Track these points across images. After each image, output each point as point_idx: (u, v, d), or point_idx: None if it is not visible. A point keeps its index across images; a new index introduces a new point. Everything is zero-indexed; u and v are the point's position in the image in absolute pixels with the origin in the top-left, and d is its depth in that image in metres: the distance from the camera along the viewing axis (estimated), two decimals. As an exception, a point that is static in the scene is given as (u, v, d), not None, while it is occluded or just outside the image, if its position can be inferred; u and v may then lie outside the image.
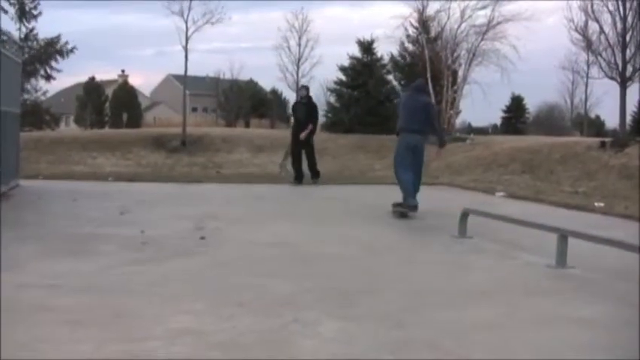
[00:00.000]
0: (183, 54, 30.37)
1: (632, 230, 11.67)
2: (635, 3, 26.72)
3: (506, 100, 62.08)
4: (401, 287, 7.57)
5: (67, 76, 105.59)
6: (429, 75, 34.16)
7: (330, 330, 5.86)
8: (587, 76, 49.55)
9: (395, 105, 40.27)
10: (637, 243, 8.49)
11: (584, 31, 28.31)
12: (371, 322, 6.09)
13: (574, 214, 14.03)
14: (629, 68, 26.74)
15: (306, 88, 20.69)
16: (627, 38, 26.75)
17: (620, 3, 26.76)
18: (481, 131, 54.65)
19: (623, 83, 26.80)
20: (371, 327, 5.96)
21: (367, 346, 5.47)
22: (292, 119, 20.51)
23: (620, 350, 5.55)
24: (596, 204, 15.26)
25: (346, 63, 40.72)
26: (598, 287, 7.82)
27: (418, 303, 6.88)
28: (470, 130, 54.59)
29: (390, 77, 41.73)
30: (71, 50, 42.32)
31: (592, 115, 64.16)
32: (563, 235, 8.67)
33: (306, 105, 19.19)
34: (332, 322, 6.04)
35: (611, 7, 27.14)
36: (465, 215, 10.74)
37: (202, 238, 10.01)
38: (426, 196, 13.63)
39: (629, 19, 26.73)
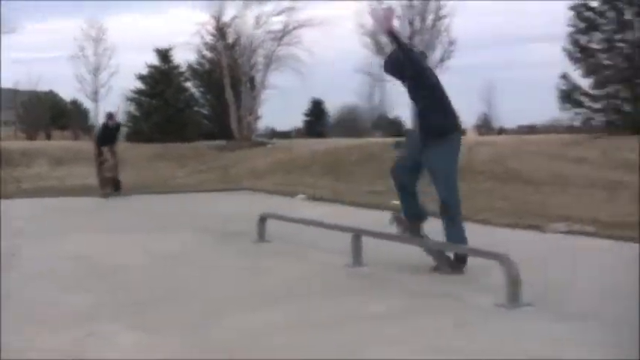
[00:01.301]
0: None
1: (428, 225, 12.17)
2: (420, 7, 27.93)
3: (306, 104, 63.23)
4: (200, 294, 7.57)
5: None
6: (227, 81, 34.30)
7: (128, 341, 5.78)
8: (382, 80, 51.08)
9: (194, 112, 40.29)
10: (432, 238, 8.83)
11: (374, 36, 29.24)
12: (169, 331, 6.06)
13: (372, 213, 14.43)
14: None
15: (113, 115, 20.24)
16: (415, 40, 27.93)
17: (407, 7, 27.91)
18: (284, 135, 55.36)
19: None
20: (169, 336, 5.93)
21: (166, 354, 5.44)
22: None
23: (416, 342, 5.77)
24: (393, 202, 15.74)
25: (144, 71, 40.31)
26: (393, 283, 8.07)
27: (217, 309, 6.88)
28: (273, 134, 55.17)
29: (189, 85, 41.66)
30: None
31: (391, 115, 66.20)
32: (357, 235, 8.93)
33: (116, 130, 19.60)
34: (130, 334, 5.97)
35: (399, 12, 28.25)
36: (262, 220, 10.86)
37: (13, 254, 9.69)
38: (227, 201, 13.69)
39: (417, 22, 27.91)
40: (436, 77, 8.65)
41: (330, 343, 5.75)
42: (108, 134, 19.36)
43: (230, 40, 38.45)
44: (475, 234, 11.52)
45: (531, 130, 49.50)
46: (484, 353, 5.45)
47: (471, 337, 5.91)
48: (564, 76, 24.81)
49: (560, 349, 5.56)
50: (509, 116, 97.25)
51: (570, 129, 27.32)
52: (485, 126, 62.96)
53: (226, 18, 37.12)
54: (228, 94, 34.52)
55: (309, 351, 5.55)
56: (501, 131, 56.04)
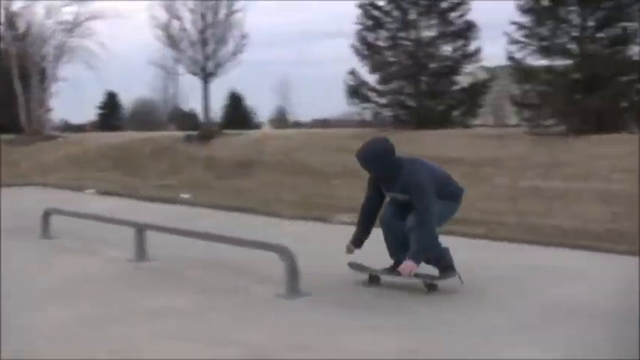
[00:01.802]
0: None
1: (215, 219, 12.29)
2: (213, 2, 28.05)
3: (101, 97, 61.89)
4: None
5: None
6: (15, 72, 33.12)
7: None
8: (175, 73, 50.69)
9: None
10: (217, 231, 8.91)
11: (167, 29, 29.02)
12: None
13: (161, 206, 14.40)
14: (211, 64, 28.05)
15: None
16: (207, 35, 28.03)
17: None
18: (79, 129, 53.87)
19: (205, 78, 28.04)
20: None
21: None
22: None
23: (198, 337, 5.83)
24: (182, 195, 15.78)
25: None
26: (177, 278, 8.10)
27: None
28: (67, 128, 53.62)
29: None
30: None
31: (187, 109, 65.77)
32: (140, 229, 8.89)
33: None
34: None
35: (191, 6, 28.22)
36: (46, 215, 10.61)
37: None
38: (14, 197, 13.24)
39: (209, 16, 28.01)
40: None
41: (107, 340, 5.73)
42: None
43: (20, 29, 37.03)
44: (264, 226, 11.84)
45: (325, 123, 50.54)
46: (263, 345, 5.60)
47: (251, 330, 6.04)
48: (352, 72, 25.52)
49: (334, 337, 5.79)
50: (305, 110, 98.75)
51: (362, 123, 28.09)
52: (280, 120, 63.73)
53: (16, 7, 35.76)
54: (17, 85, 33.31)
55: (83, 348, 5.51)
56: (296, 125, 56.91)
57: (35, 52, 35.03)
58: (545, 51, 21.43)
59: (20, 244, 10.28)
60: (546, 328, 5.97)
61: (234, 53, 28.69)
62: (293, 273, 7.06)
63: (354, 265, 7.77)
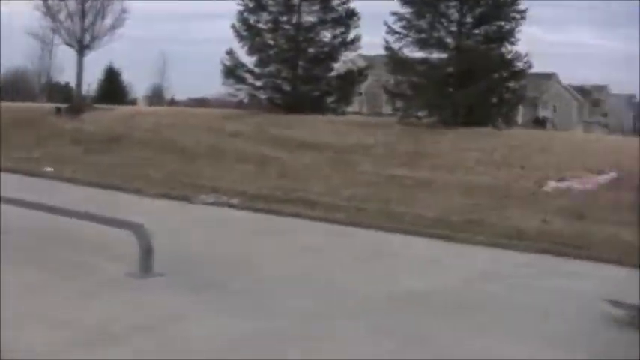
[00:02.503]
0: None
1: (77, 194, 12.01)
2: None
3: (-32, 65, 59.69)
4: None
5: None
6: None
7: None
8: (52, 43, 49.34)
9: None
10: (74, 208, 8.64)
11: (46, -1, 28.22)
12: None
13: (24, 179, 14.01)
14: (88, 37, 27.41)
15: None
16: (86, 7, 27.37)
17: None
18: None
19: (81, 51, 27.38)
20: None
21: None
22: None
23: (45, 315, 5.64)
24: (46, 169, 15.36)
25: None
26: (29, 253, 7.82)
27: None
28: None
29: None
30: None
31: (62, 81, 63.94)
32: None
33: None
34: None
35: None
36: None
37: None
38: None
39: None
40: None
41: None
42: None
43: None
44: (125, 203, 11.63)
45: (202, 103, 49.96)
46: (100, 325, 5.48)
47: (92, 309, 5.91)
48: (229, 52, 25.26)
49: (179, 319, 5.70)
50: (182, 89, 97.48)
51: (238, 105, 27.86)
52: (156, 97, 62.67)
53: None
54: None
55: None
56: (172, 103, 56.08)
57: None
58: (422, 43, 21.73)
59: None
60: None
61: (113, 27, 28.10)
62: (146, 251, 6.96)
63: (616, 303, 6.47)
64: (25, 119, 22.06)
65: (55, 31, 29.95)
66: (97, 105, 27.67)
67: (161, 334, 5.35)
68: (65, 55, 56.42)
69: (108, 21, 28.06)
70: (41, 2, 28.38)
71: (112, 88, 54.38)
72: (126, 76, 57.62)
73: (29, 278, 6.70)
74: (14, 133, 20.51)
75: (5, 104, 28.89)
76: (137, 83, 64.51)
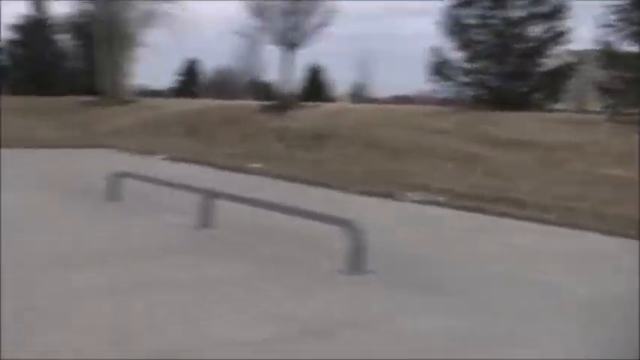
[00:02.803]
0: None
1: (285, 190, 12.16)
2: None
3: (181, 64, 62.24)
4: (34, 252, 7.25)
5: None
6: (101, 36, 33.44)
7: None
8: (259, 42, 50.67)
9: (67, 66, 39.06)
10: (286, 202, 8.75)
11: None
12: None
13: (231, 175, 14.32)
14: (296, 35, 27.80)
15: None
16: (295, 6, 27.80)
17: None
18: (157, 94, 54.30)
19: (290, 49, 27.79)
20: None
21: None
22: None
23: (254, 307, 5.68)
24: (253, 165, 15.69)
25: (17, 21, 39.05)
26: (241, 247, 7.97)
27: (41, 268, 6.61)
28: (146, 93, 54.10)
29: (64, 37, 40.51)
30: None
31: (265, 79, 65.63)
32: (208, 196, 8.77)
33: None
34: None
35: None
36: (115, 178, 10.57)
37: None
38: (86, 158, 13.29)
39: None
40: None
41: (167, 305, 5.62)
42: None
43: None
44: (332, 199, 11.66)
45: (405, 100, 49.94)
46: (311, 320, 5.43)
47: (306, 303, 5.87)
48: (435, 49, 25.04)
49: (390, 317, 5.58)
50: (384, 86, 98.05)
51: (442, 101, 27.61)
52: (357, 94, 63.18)
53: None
54: (100, 49, 33.63)
55: (142, 313, 5.41)
56: (374, 100, 56.39)
57: (121, 17, 35.27)
58: (638, 36, 20.62)
59: (87, 205, 10.29)
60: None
61: (320, 26, 28.35)
62: (357, 248, 6.86)
63: None
64: (232, 117, 22.70)
65: (262, 30, 30.59)
66: (301, 103, 28.10)
67: (374, 331, 5.23)
68: (269, 54, 57.84)
69: (315, 20, 28.34)
70: (250, 2, 29.13)
71: (315, 85, 55.26)
72: (328, 74, 58.31)
73: (239, 272, 6.77)
74: (222, 130, 21.17)
75: (212, 102, 29.94)
76: (339, 81, 64.95)
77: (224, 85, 64.63)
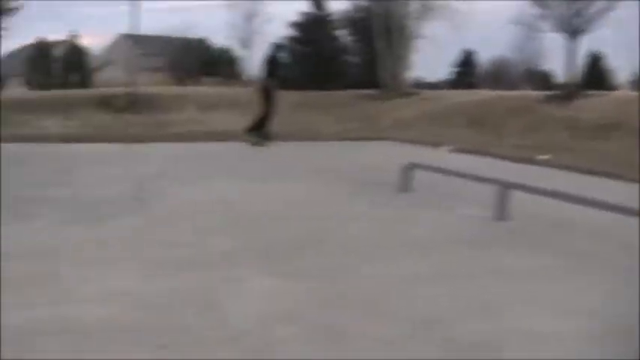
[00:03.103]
0: (133, 13, 29.94)
1: (575, 182, 11.77)
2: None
3: (457, 55, 62.27)
4: (337, 242, 7.51)
5: (15, 37, 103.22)
6: (379, 30, 34.08)
7: (262, 287, 5.78)
8: (537, 30, 49.70)
9: (345, 61, 40.15)
10: (578, 193, 8.51)
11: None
12: (303, 279, 6.02)
13: (519, 166, 14.09)
14: (578, 21, 26.89)
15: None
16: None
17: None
18: (432, 86, 54.63)
19: (573, 36, 26.92)
20: (303, 284, 5.89)
21: (298, 302, 5.40)
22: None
23: (556, 301, 5.54)
24: (540, 156, 15.33)
25: (297, 19, 40.54)
26: (538, 239, 7.82)
27: (353, 258, 6.81)
28: (421, 85, 54.57)
29: (341, 33, 41.64)
30: (16, 8, 41.09)
31: (543, 68, 64.34)
32: (503, 187, 8.66)
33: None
34: (265, 280, 5.97)
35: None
36: (407, 169, 10.70)
37: (138, 198, 9.85)
38: (370, 150, 13.57)
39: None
40: None
41: (470, 297, 5.60)
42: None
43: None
44: (629, 191, 11.12)
45: None
46: (616, 317, 5.21)
47: (612, 298, 5.64)
48: None
49: None
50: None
51: None
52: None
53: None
54: (380, 43, 34.27)
55: (450, 302, 5.42)
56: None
57: (398, 10, 35.74)
58: None
59: (379, 196, 10.49)
60: None
61: (606, 10, 27.24)
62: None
63: None
64: (514, 107, 22.36)
65: (542, 17, 29.89)
66: (587, 92, 27.19)
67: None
68: (549, 42, 56.40)
69: (599, 4, 27.24)
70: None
71: (595, 73, 53.44)
72: (609, 61, 56.13)
73: (539, 265, 6.62)
74: (505, 120, 20.90)
75: (491, 92, 29.63)
76: (621, 68, 62.37)
77: (500, 76, 63.95)
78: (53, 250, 6.93)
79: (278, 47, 19.00)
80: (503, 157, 15.31)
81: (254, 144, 17.50)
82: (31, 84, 62.20)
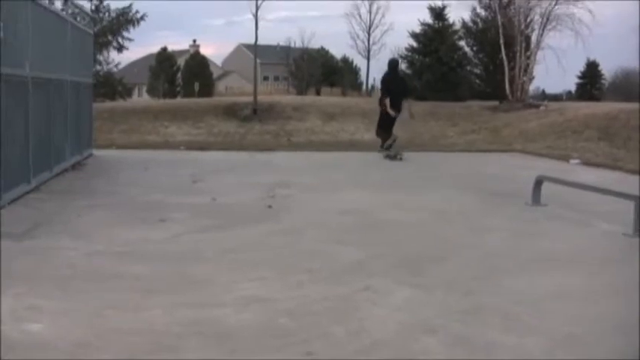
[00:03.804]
0: (254, 23, 30.37)
1: None
2: None
3: (581, 66, 60.92)
4: (472, 254, 7.46)
5: (138, 46, 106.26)
6: (501, 41, 33.69)
7: (399, 298, 5.80)
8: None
9: (466, 71, 39.84)
10: None
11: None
12: (440, 290, 6.01)
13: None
14: None
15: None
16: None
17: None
18: (555, 98, 53.62)
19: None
20: (440, 295, 5.88)
21: (436, 313, 5.38)
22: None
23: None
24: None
25: (417, 29, 40.43)
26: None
27: (489, 270, 6.76)
28: (543, 96, 53.61)
29: (462, 43, 41.28)
30: (142, 18, 42.30)
31: (671, 80, 62.40)
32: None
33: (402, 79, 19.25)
34: (401, 290, 5.98)
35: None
36: (538, 182, 10.53)
37: (270, 206, 9.99)
38: (498, 162, 13.41)
39: None
40: None
41: (611, 315, 5.47)
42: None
43: (505, -2, 37.63)
44: None
45: None
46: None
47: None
48: None
49: None
50: None
51: None
52: None
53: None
54: (503, 53, 33.87)
55: (589, 321, 5.30)
56: None
57: (520, 21, 35.26)
58: None
59: (510, 209, 10.36)
60: None
61: None
62: None
63: None
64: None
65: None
66: None
67: None
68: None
69: None
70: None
71: None
72: None
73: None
74: (636, 134, 20.31)
75: (620, 105, 28.86)
76: None
77: (626, 88, 62.26)
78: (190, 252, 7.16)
79: (391, 63, 18.81)
80: (635, 172, 14.88)
81: (390, 157, 17.34)
82: (154, 92, 64.01)
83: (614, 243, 8.16)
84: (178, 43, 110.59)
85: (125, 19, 42.40)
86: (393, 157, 17.14)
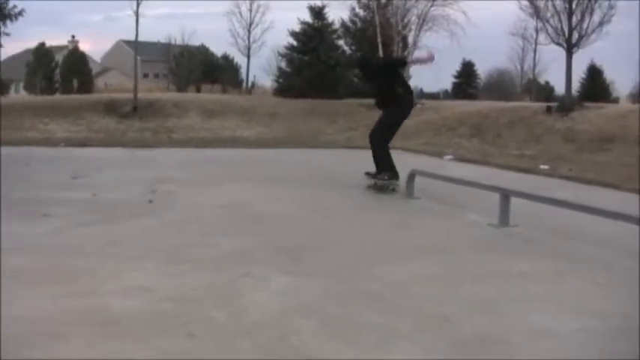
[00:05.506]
0: (134, 19, 30.20)
1: (574, 190, 12.05)
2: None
3: (457, 66, 62.55)
4: (348, 245, 7.80)
5: (15, 41, 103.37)
6: (379, 40, 34.39)
7: (279, 283, 6.07)
8: (536, 43, 50.13)
9: (345, 70, 40.39)
10: (578, 201, 8.81)
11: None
12: (318, 277, 6.31)
13: (520, 176, 14.35)
14: (575, 34, 27.26)
15: None
16: (573, 5, 27.24)
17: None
18: (432, 96, 54.92)
19: (569, 49, 27.30)
20: (318, 281, 6.18)
21: (314, 298, 5.68)
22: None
23: (556, 302, 5.82)
24: (541, 166, 15.63)
25: (297, 28, 40.83)
26: (538, 244, 8.10)
27: (364, 259, 7.10)
28: (421, 95, 54.80)
29: (341, 42, 41.91)
30: (19, 13, 41.25)
31: (542, 80, 64.70)
32: (506, 195, 8.95)
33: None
34: (281, 277, 6.25)
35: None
36: (411, 177, 10.99)
37: (151, 201, 10.12)
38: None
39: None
40: None
41: (475, 296, 5.87)
42: None
43: (383, -1, 38.39)
44: (625, 201, 11.38)
45: None
46: (620, 315, 5.49)
47: (610, 299, 5.92)
48: None
49: None
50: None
51: None
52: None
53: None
54: (381, 52, 34.55)
55: (455, 302, 5.69)
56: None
57: (397, 21, 36.09)
58: None
59: (385, 202, 10.79)
60: None
61: (600, 24, 27.64)
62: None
63: None
64: (515, 118, 22.64)
65: (540, 30, 30.25)
66: (585, 104, 27.49)
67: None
68: (548, 55, 56.85)
69: (595, 18, 27.67)
70: (527, 2, 28.91)
71: (594, 86, 53.73)
72: (607, 74, 56.47)
73: (542, 268, 6.89)
74: (506, 131, 21.19)
75: (492, 103, 29.93)
76: (619, 81, 62.82)
77: (500, 87, 64.26)
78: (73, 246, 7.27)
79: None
80: (504, 167, 15.59)
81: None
82: (32, 88, 62.45)
83: (480, 233, 8.63)
84: (55, 39, 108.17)
85: (2, 14, 41.22)
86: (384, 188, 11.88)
